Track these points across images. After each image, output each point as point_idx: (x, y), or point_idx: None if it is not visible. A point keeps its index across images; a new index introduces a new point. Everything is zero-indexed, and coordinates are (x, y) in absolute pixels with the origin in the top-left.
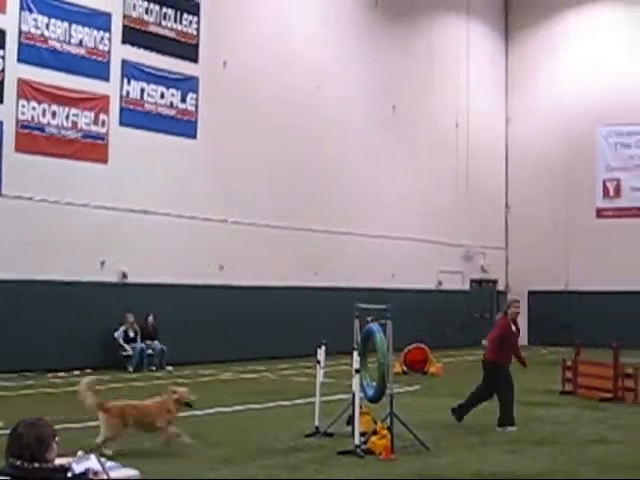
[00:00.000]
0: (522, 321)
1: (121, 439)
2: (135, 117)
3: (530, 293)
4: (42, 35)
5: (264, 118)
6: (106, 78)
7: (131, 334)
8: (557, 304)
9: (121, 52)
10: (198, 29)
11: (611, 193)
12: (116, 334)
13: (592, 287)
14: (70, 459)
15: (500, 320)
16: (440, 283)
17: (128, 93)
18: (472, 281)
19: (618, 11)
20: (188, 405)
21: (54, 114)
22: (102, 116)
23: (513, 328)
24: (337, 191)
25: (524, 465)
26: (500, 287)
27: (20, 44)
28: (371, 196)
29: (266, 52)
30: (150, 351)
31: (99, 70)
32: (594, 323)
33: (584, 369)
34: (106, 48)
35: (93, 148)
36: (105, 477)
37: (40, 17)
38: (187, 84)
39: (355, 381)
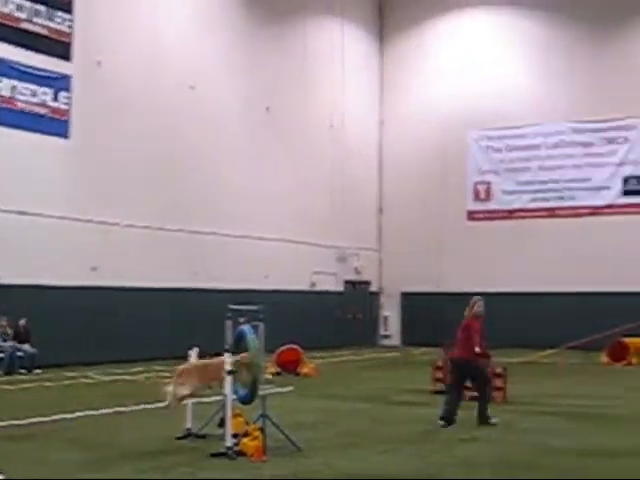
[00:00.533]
0: (395, 322)
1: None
2: (6, 115)
3: (403, 294)
4: None
5: (139, 118)
6: None
7: (3, 337)
8: (429, 305)
9: None
10: (72, 27)
11: (482, 196)
12: None
13: (463, 288)
14: None
15: (477, 322)
16: (314, 284)
17: None
18: (346, 282)
19: (486, 17)
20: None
21: None
22: None
23: None
24: (212, 192)
25: (396, 465)
26: (373, 288)
27: None
28: (246, 197)
29: (141, 51)
30: (21, 354)
31: None
32: None
33: None
34: None
35: None
36: None
37: None
38: (60, 83)
39: (228, 383)
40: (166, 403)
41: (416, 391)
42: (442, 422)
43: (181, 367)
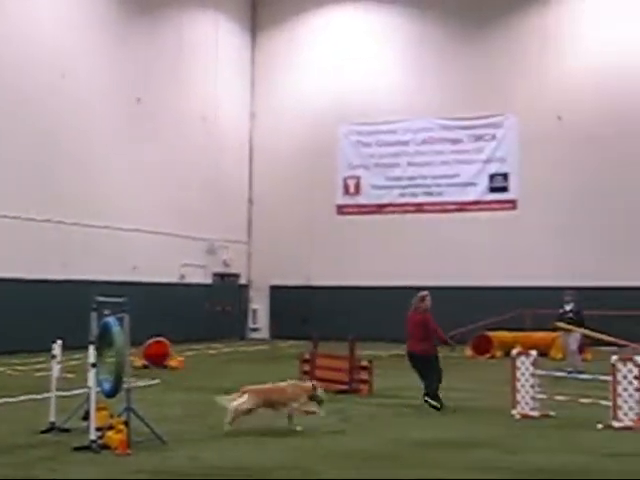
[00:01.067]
0: (264, 315)
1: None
2: None
3: (272, 287)
4: None
5: (7, 105)
6: None
7: None
8: (298, 298)
9: None
10: None
11: (351, 190)
12: None
13: (332, 282)
14: None
15: (426, 315)
16: (183, 276)
17: None
18: (215, 275)
19: (360, 12)
20: (318, 401)
21: None
22: None
23: None
24: (82, 183)
25: (262, 458)
26: (242, 281)
27: None
28: (116, 188)
29: (10, 37)
30: None
31: None
32: (333, 317)
33: (322, 362)
34: None
35: None
36: None
37: None
38: None
39: (91, 376)
40: (227, 420)
41: None
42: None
43: (247, 388)
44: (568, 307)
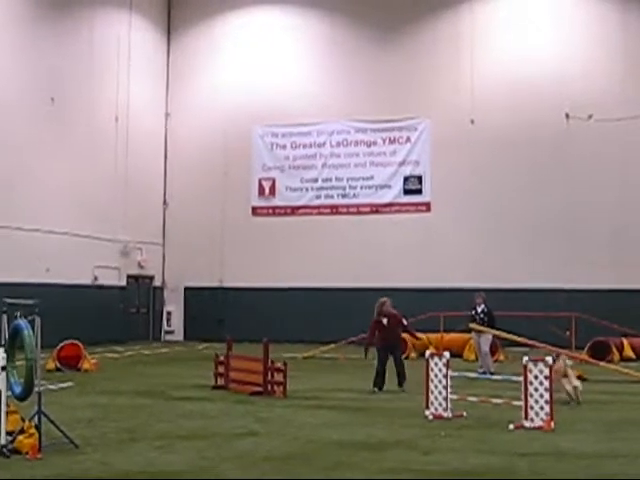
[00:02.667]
0: (178, 317)
1: None
2: None
3: (186, 289)
4: None
5: None
6: None
7: None
8: (212, 300)
9: None
10: None
11: (266, 192)
12: None
13: (247, 283)
14: None
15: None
16: (96, 279)
17: None
18: (129, 277)
19: (277, 13)
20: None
21: None
22: None
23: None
24: None
25: (171, 461)
26: (157, 283)
27: None
28: (29, 189)
29: None
30: None
31: None
32: (248, 319)
33: (236, 364)
34: None
35: None
36: None
37: None
38: None
39: (1, 379)
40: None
41: (197, 386)
42: (375, 389)
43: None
44: (479, 308)
